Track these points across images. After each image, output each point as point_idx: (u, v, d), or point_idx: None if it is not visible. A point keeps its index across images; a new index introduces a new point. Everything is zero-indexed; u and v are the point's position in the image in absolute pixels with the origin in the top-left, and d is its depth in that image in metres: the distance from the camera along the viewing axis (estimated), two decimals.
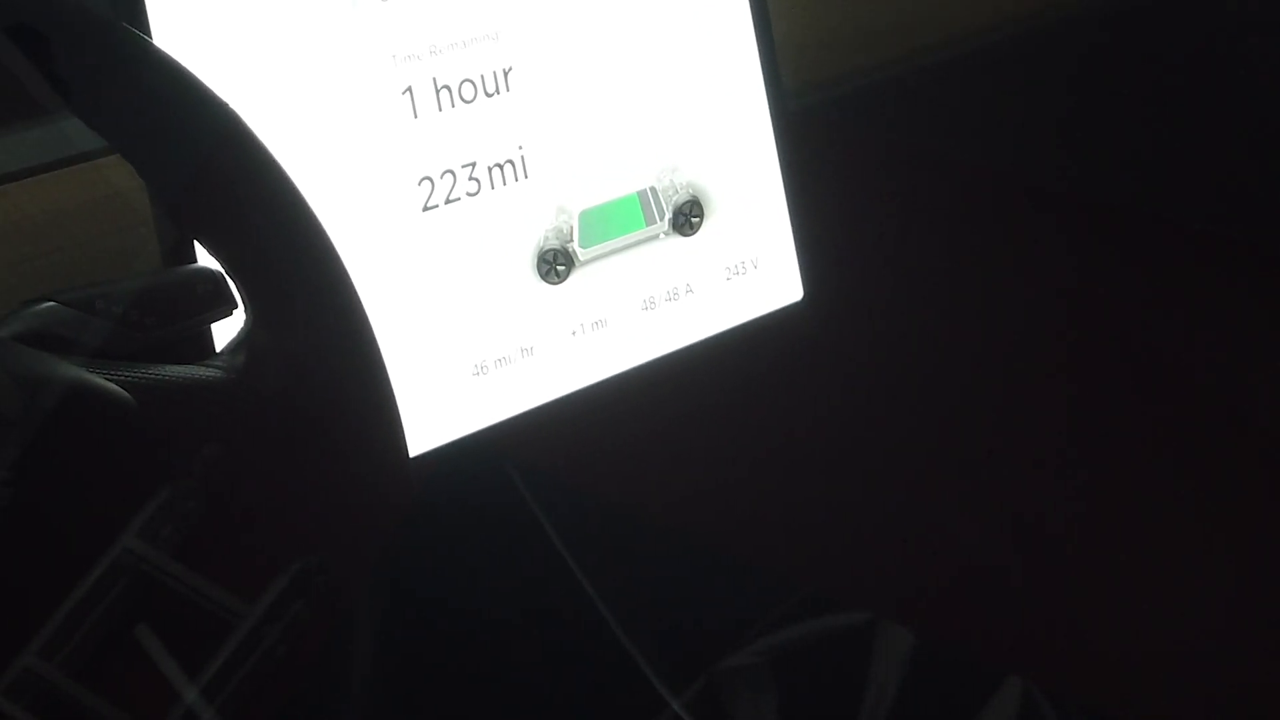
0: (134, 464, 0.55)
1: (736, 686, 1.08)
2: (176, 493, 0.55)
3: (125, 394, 0.55)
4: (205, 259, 0.62)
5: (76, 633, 0.54)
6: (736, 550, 1.12)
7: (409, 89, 0.78)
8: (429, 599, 1.02)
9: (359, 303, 0.60)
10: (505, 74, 0.81)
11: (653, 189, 0.86)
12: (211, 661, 0.54)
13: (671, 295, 0.87)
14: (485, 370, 0.82)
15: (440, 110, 0.79)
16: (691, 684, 1.06)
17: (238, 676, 0.54)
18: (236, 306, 0.61)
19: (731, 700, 1.08)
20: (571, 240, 0.84)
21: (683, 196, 0.87)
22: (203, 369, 0.58)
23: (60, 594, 0.54)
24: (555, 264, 0.83)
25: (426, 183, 0.79)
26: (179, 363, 0.58)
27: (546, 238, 0.83)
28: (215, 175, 0.58)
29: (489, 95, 0.81)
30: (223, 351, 0.59)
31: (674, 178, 0.87)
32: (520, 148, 0.82)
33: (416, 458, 0.77)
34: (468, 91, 0.80)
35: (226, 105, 0.59)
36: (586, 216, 0.84)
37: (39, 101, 0.58)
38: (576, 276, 0.84)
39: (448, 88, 0.80)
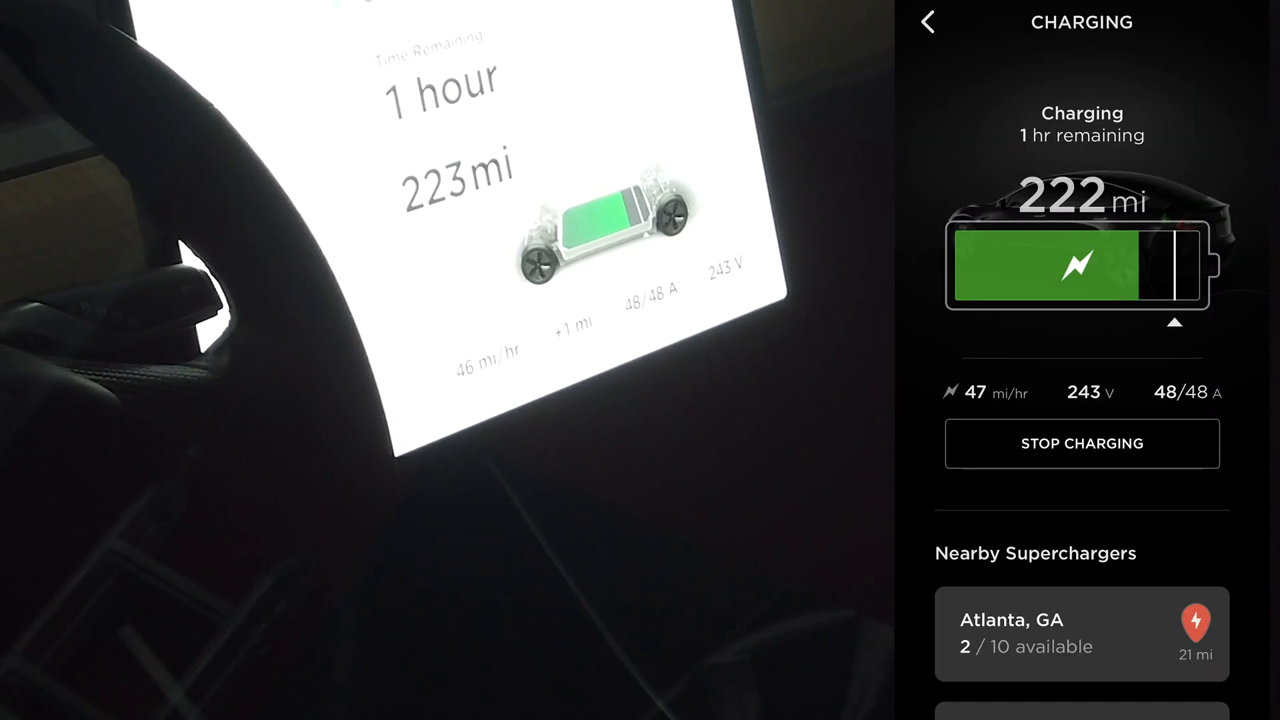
0: (119, 464, 0.55)
1: (720, 684, 1.08)
2: (161, 493, 0.55)
3: (110, 394, 0.55)
4: (190, 259, 0.62)
5: (61, 634, 0.54)
6: (720, 548, 1.12)
7: (393, 89, 0.78)
8: (413, 598, 1.02)
9: (344, 303, 0.60)
10: (489, 74, 0.81)
11: (636, 188, 0.86)
12: (196, 662, 0.54)
13: (655, 294, 0.88)
14: (470, 369, 0.82)
15: (424, 110, 0.79)
16: (675, 682, 1.06)
17: (222, 677, 0.54)
18: (221, 307, 0.61)
19: (715, 698, 1.08)
20: (556, 240, 0.84)
21: (666, 196, 0.87)
22: (187, 369, 0.58)
23: (45, 595, 0.54)
24: (540, 263, 0.83)
25: (411, 183, 0.79)
26: (164, 363, 0.58)
27: (531, 237, 0.83)
28: (199, 176, 0.58)
29: (473, 95, 0.81)
30: (207, 352, 0.59)
31: (658, 177, 0.87)
32: (504, 147, 0.82)
33: (401, 457, 0.76)
34: (451, 91, 0.80)
35: (210, 106, 0.59)
36: (571, 216, 0.84)
37: (23, 102, 0.58)
38: (561, 276, 0.84)
39: (432, 88, 0.80)
